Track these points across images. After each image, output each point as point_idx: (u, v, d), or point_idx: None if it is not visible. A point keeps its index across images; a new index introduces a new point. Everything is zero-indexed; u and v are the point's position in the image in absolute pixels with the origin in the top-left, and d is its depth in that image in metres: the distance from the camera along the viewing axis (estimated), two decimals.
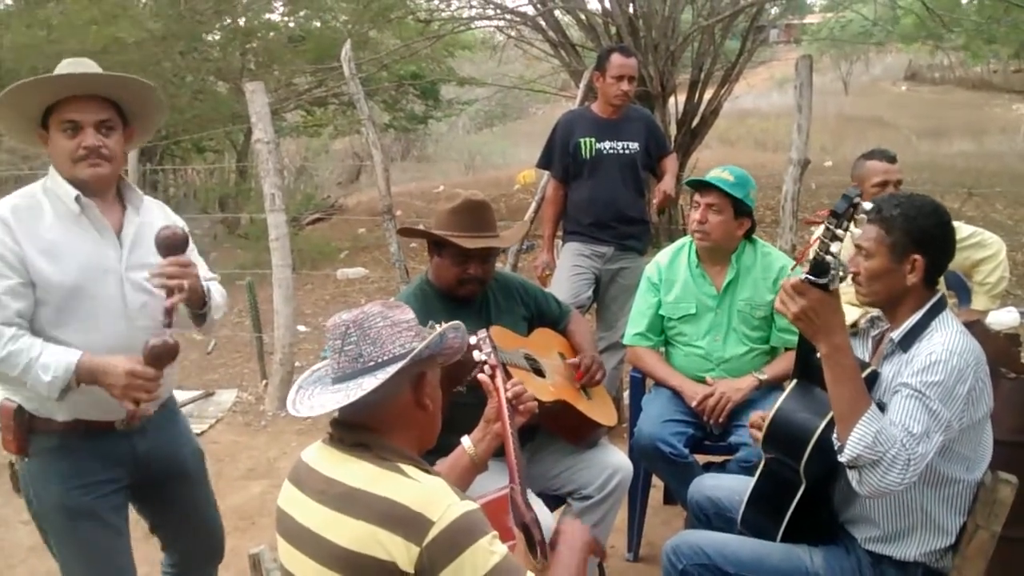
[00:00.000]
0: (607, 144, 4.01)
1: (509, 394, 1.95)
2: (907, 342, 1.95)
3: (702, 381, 2.91)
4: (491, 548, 1.38)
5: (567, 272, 4.06)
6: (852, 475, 1.82)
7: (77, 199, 2.01)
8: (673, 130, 7.93)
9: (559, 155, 4.12)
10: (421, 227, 2.56)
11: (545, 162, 4.31)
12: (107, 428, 2.07)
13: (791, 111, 4.92)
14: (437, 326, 1.60)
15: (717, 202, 2.85)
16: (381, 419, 1.50)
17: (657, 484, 3.29)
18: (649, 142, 4.10)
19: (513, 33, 9.48)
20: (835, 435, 1.84)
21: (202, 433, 4.74)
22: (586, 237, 4.07)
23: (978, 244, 3.31)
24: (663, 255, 3.11)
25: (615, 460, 2.57)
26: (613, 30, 7.76)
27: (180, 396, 5.20)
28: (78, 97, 2.01)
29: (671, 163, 4.21)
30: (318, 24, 11.64)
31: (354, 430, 1.51)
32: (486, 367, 2.01)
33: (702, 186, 2.88)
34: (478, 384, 1.96)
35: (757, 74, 22.12)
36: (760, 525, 2.13)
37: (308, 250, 9.29)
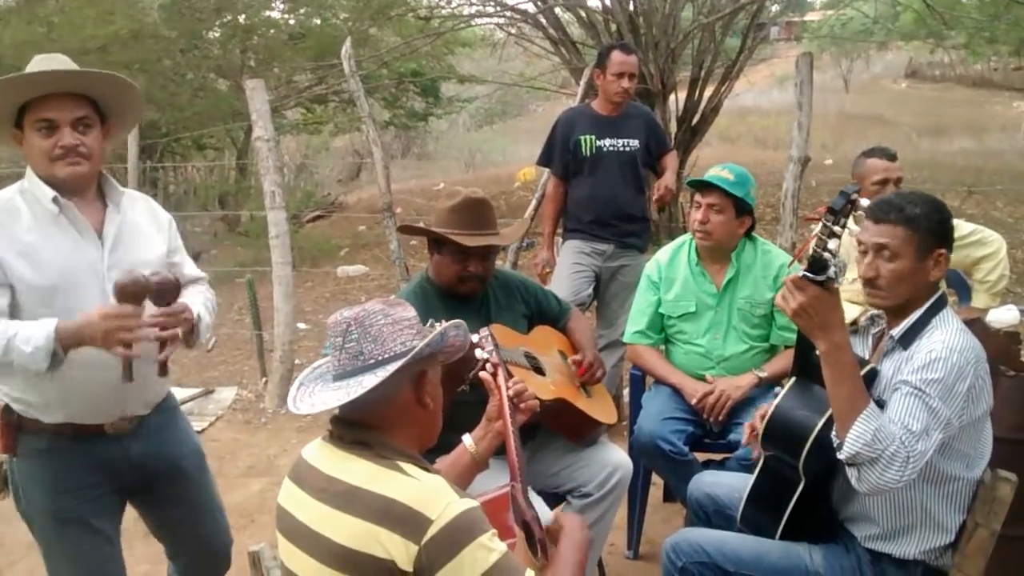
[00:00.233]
0: (607, 141, 4.01)
1: (510, 392, 1.94)
2: (907, 339, 1.94)
3: (702, 379, 2.92)
4: (490, 546, 1.38)
5: (567, 270, 4.05)
6: (851, 472, 1.82)
7: (55, 200, 1.96)
8: (673, 127, 7.93)
9: (559, 152, 4.12)
10: (421, 225, 2.56)
11: (545, 159, 4.31)
12: (97, 432, 2.03)
13: (791, 109, 4.91)
14: (438, 324, 1.60)
15: (718, 202, 2.85)
16: (382, 417, 1.50)
17: (657, 482, 3.30)
18: (649, 139, 4.10)
19: (513, 30, 9.47)
20: (834, 432, 1.84)
21: (202, 431, 4.74)
22: (586, 235, 4.07)
23: (978, 242, 3.31)
24: (663, 253, 3.11)
25: (615, 458, 2.57)
26: (613, 27, 7.75)
27: (180, 394, 5.21)
28: (52, 95, 1.94)
29: (671, 160, 4.21)
30: (318, 21, 11.62)
31: (354, 428, 1.51)
32: (488, 365, 2.01)
33: (703, 186, 2.88)
34: (480, 382, 1.96)
35: (757, 71, 22.10)
36: (759, 523, 2.13)
37: (308, 248, 9.30)
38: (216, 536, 2.37)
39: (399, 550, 1.35)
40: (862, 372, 1.91)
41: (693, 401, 2.84)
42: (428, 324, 1.62)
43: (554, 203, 4.23)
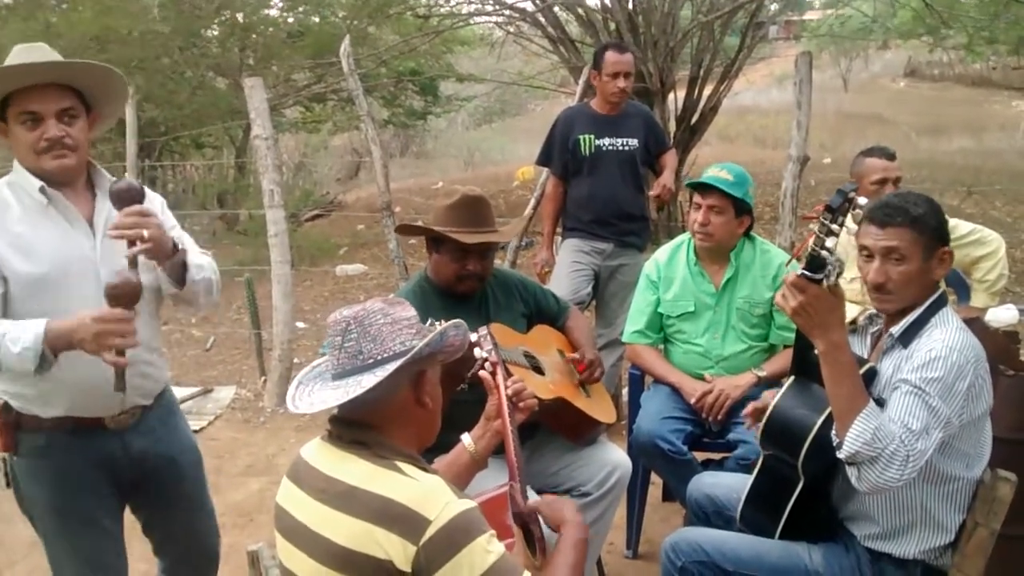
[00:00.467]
0: (606, 141, 4.01)
1: (509, 391, 1.94)
2: (907, 338, 1.94)
3: (701, 378, 2.91)
4: (488, 547, 1.37)
5: (567, 268, 4.05)
6: (851, 472, 1.82)
7: (42, 190, 1.94)
8: (672, 126, 7.93)
9: (558, 152, 4.12)
10: (419, 224, 2.56)
11: (544, 159, 4.31)
12: (97, 425, 2.02)
13: (790, 108, 4.91)
14: (437, 324, 1.60)
15: (718, 203, 2.85)
16: (380, 416, 1.50)
17: (656, 481, 3.30)
18: (648, 138, 4.10)
19: (512, 29, 9.47)
20: (833, 432, 1.84)
21: (201, 430, 4.74)
22: (586, 233, 4.07)
23: (977, 241, 3.31)
24: (662, 252, 3.11)
25: (614, 457, 2.56)
26: (612, 26, 7.75)
27: (179, 393, 5.20)
28: (36, 86, 1.90)
29: (670, 158, 4.21)
30: (317, 20, 11.61)
31: (353, 427, 1.51)
32: (487, 364, 2.01)
33: (702, 187, 2.87)
34: (479, 381, 1.95)
35: (756, 70, 22.08)
36: (759, 522, 2.13)
37: (307, 246, 9.30)
38: (205, 536, 2.36)
39: (397, 550, 1.34)
40: (861, 371, 1.90)
41: (692, 400, 2.84)
42: (428, 323, 1.61)
43: (553, 203, 4.23)
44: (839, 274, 1.80)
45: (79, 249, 1.98)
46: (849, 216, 1.79)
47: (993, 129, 17.11)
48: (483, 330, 2.09)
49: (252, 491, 4.00)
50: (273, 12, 11.77)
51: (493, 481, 1.94)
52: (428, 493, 1.39)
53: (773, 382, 2.84)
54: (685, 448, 2.74)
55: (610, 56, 3.95)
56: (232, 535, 3.42)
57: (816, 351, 1.85)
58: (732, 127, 18.19)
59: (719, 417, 2.81)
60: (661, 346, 3.10)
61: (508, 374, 2.02)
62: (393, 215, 5.84)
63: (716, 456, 2.93)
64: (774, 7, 10.83)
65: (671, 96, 7.89)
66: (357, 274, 8.45)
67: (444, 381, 1.65)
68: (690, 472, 2.59)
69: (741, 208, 2.88)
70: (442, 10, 9.79)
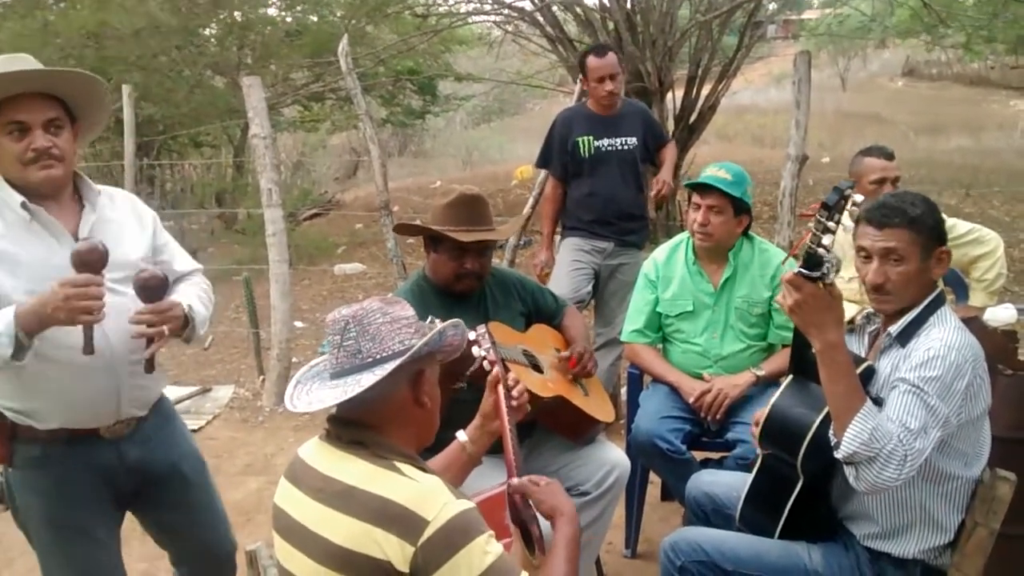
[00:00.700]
0: (605, 141, 4.01)
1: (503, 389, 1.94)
2: (905, 337, 1.94)
3: (700, 378, 2.91)
4: (486, 548, 1.37)
5: (567, 268, 4.05)
6: (849, 471, 1.82)
7: (23, 205, 1.89)
8: (671, 126, 7.93)
9: (558, 154, 4.12)
10: (418, 223, 2.55)
11: (543, 161, 4.31)
12: (92, 435, 2.01)
13: (789, 107, 4.91)
14: (436, 323, 1.59)
15: (717, 203, 2.84)
16: (379, 416, 1.50)
17: (654, 480, 3.30)
18: (647, 135, 4.10)
19: (510, 28, 9.47)
20: (831, 431, 1.84)
21: (199, 429, 4.73)
22: (586, 233, 4.06)
23: (976, 240, 3.31)
24: (660, 252, 3.11)
25: (613, 456, 2.56)
26: (611, 25, 7.75)
27: (177, 392, 5.20)
28: (22, 96, 1.86)
29: (669, 152, 4.20)
30: (315, 19, 11.61)
31: (351, 427, 1.50)
32: (485, 363, 2.00)
33: (701, 187, 2.87)
34: (477, 380, 1.95)
35: (755, 70, 22.11)
36: (758, 522, 2.13)
37: (305, 246, 9.29)
38: (218, 541, 2.33)
39: (395, 551, 1.34)
40: (859, 369, 1.90)
41: (691, 400, 2.84)
42: (427, 321, 1.61)
43: (553, 204, 4.23)
44: (836, 271, 1.80)
45: (64, 263, 1.91)
46: (846, 214, 1.79)
47: (991, 128, 17.13)
48: (481, 328, 2.09)
49: (250, 491, 4.00)
50: (271, 11, 11.77)
51: (491, 480, 1.94)
52: (426, 493, 1.39)
53: (771, 381, 2.85)
54: (684, 447, 2.73)
55: (591, 62, 3.95)
56: None
57: (812, 350, 1.85)
58: (730, 126, 18.20)
59: (718, 416, 2.80)
60: (660, 345, 3.10)
61: (506, 371, 2.02)
62: (391, 214, 5.83)
63: (715, 455, 2.92)
64: (772, 6, 10.87)
65: (669, 95, 7.89)
66: (355, 273, 8.45)
67: (442, 380, 1.65)
68: (689, 471, 2.58)
69: (740, 207, 2.88)
70: (440, 9, 9.79)
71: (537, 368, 2.51)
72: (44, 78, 1.91)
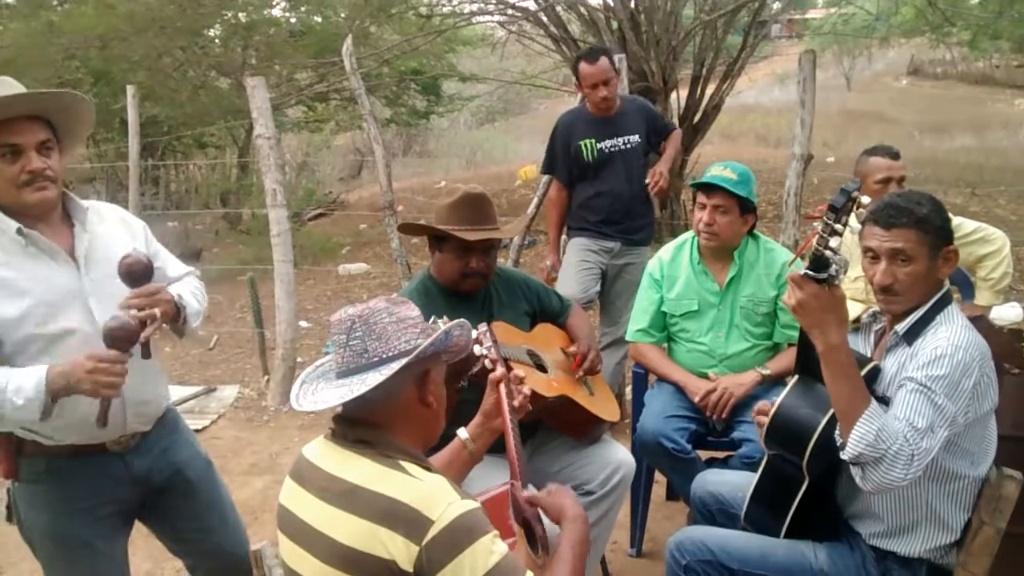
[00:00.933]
0: (608, 143, 4.00)
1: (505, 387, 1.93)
2: (912, 336, 1.93)
3: (705, 377, 2.91)
4: (491, 548, 1.37)
5: (575, 268, 4.05)
6: (855, 471, 1.81)
7: (19, 231, 1.90)
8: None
9: (561, 160, 4.12)
10: (422, 222, 2.55)
11: (548, 168, 4.32)
12: (98, 448, 2.01)
13: (793, 106, 4.90)
14: (440, 322, 1.59)
15: (723, 202, 2.84)
16: (384, 415, 1.50)
17: (660, 480, 3.29)
18: (650, 131, 4.10)
19: (514, 28, 9.46)
20: (837, 432, 1.84)
21: (204, 429, 4.74)
22: (593, 232, 4.07)
23: (982, 239, 3.30)
24: (665, 251, 3.10)
25: (618, 456, 2.56)
26: (615, 25, 7.74)
27: (182, 392, 5.21)
28: (13, 119, 1.86)
29: (672, 143, 4.18)
30: (319, 19, 11.61)
31: (357, 426, 1.50)
32: (487, 361, 2.00)
33: (707, 187, 2.86)
34: (478, 379, 1.95)
35: (759, 69, 22.05)
36: (763, 521, 2.12)
37: (310, 246, 9.30)
38: (232, 544, 2.32)
39: (400, 550, 1.34)
40: (866, 369, 1.90)
41: (696, 399, 2.84)
42: (431, 321, 1.61)
43: (558, 208, 4.22)
44: (844, 273, 1.80)
45: (66, 284, 1.95)
46: (853, 215, 1.78)
47: (996, 127, 17.06)
48: (483, 327, 2.09)
49: (256, 490, 4.01)
50: (276, 12, 11.78)
51: (495, 479, 1.93)
52: (431, 493, 1.39)
53: (777, 380, 2.84)
54: (689, 446, 2.73)
55: (583, 68, 3.94)
56: None
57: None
58: (735, 126, 18.15)
59: (723, 415, 2.80)
60: (665, 345, 3.10)
61: (508, 369, 2.02)
62: (396, 214, 5.84)
63: (720, 455, 2.92)
64: (776, 5, 10.85)
65: (673, 95, 7.88)
66: (360, 273, 8.46)
67: (447, 380, 1.65)
68: (694, 471, 2.59)
69: (745, 207, 2.87)
70: (444, 10, 9.79)
71: (541, 368, 2.51)
72: (36, 101, 1.92)
